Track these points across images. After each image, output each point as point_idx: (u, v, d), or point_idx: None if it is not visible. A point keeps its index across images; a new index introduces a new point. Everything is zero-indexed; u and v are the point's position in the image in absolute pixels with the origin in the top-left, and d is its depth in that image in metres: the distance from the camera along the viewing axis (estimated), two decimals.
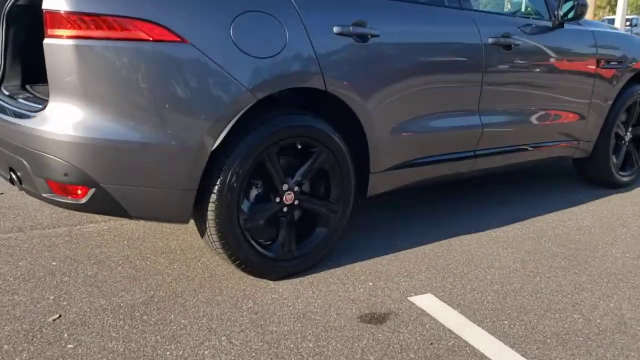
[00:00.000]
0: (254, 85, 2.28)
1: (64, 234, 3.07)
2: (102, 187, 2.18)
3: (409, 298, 2.48)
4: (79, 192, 2.22)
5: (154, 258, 2.80)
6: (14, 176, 2.39)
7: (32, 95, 2.69)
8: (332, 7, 2.57)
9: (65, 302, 2.35)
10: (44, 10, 2.09)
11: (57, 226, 3.18)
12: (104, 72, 2.10)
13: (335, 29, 2.51)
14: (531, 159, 3.70)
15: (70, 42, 2.07)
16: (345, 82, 2.54)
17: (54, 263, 2.72)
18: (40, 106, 2.36)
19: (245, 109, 2.30)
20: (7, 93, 2.79)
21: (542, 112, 3.55)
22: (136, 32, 2.10)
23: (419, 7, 2.92)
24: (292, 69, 2.39)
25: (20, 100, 2.58)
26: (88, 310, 2.30)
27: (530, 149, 3.60)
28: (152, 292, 2.45)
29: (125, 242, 2.99)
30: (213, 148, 2.27)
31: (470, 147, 3.22)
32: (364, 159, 2.77)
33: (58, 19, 2.07)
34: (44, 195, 2.27)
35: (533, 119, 3.51)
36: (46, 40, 2.10)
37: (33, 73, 3.07)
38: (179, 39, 2.15)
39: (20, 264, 2.70)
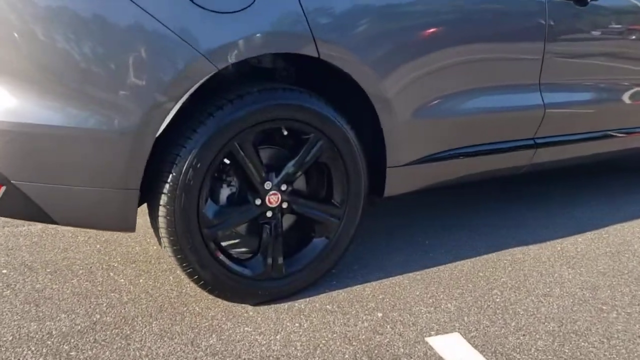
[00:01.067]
0: (212, 50, 1.69)
1: (37, 233, 2.63)
2: (14, 185, 1.68)
3: (426, 339, 1.83)
4: None
5: (121, 268, 2.29)
6: None
7: None
8: None
9: None
10: None
11: (34, 223, 2.74)
12: (8, 32, 1.58)
13: None
14: (615, 150, 2.90)
15: None
16: (345, 45, 1.90)
17: (4, 271, 2.27)
18: None
19: (200, 82, 1.72)
20: None
21: (633, 88, 2.74)
22: None
23: None
24: (268, 28, 1.77)
25: None
26: (10, 338, 1.81)
27: (617, 135, 2.80)
28: (98, 317, 1.94)
29: (99, 246, 2.50)
30: (158, 134, 1.71)
31: (528, 134, 2.49)
32: (382, 150, 2.12)
33: None
34: None
35: (618, 95, 2.71)
36: None
37: None
38: None
39: None
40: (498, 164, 2.45)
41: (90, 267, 2.30)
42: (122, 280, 2.20)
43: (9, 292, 2.10)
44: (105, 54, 1.61)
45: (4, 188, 1.68)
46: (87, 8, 1.59)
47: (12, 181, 1.67)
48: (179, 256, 1.83)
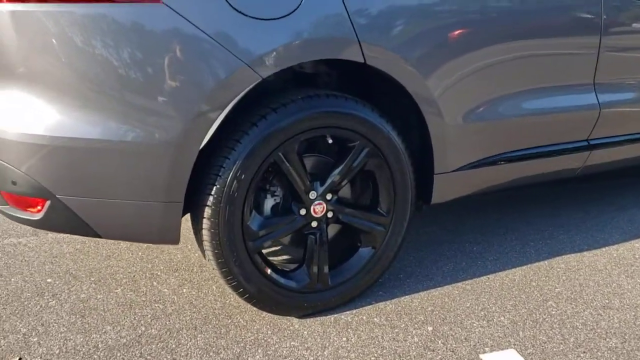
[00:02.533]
0: (256, 59, 1.63)
1: (80, 240, 2.63)
2: (59, 199, 1.66)
3: (481, 356, 1.75)
4: (35, 205, 1.71)
5: (164, 277, 2.27)
6: None
7: None
8: None
9: (35, 338, 1.88)
10: None
11: None
12: (50, 47, 1.55)
13: None
14: None
15: (7, 7, 1.54)
16: (391, 49, 1.82)
17: (49, 280, 2.27)
18: None
19: (245, 91, 1.67)
20: None
21: None
22: None
23: None
24: (313, 35, 1.71)
25: None
26: (57, 351, 1.81)
27: None
28: (143, 329, 1.92)
29: (142, 253, 2.49)
30: (202, 145, 1.67)
31: (582, 136, 2.37)
32: (429, 156, 2.04)
33: None
34: (0, 208, 1.80)
35: None
36: None
37: None
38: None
39: (12, 279, 2.28)
40: (550, 167, 2.34)
41: (134, 276, 2.29)
42: (166, 289, 2.18)
43: (54, 302, 2.10)
44: (147, 65, 1.57)
45: (48, 202, 1.67)
46: (127, 17, 1.55)
47: (56, 195, 1.65)
48: (223, 269, 1.80)
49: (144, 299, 2.12)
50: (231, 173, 1.71)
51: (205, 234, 1.76)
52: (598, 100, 2.33)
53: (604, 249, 2.47)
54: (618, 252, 2.44)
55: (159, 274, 2.31)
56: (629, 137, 2.50)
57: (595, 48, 2.24)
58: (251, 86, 1.66)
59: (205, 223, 1.74)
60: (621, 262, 2.35)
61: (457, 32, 1.92)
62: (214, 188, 1.71)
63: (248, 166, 1.72)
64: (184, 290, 2.17)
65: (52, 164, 1.62)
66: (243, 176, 1.72)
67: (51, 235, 2.71)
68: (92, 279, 2.27)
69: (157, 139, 1.61)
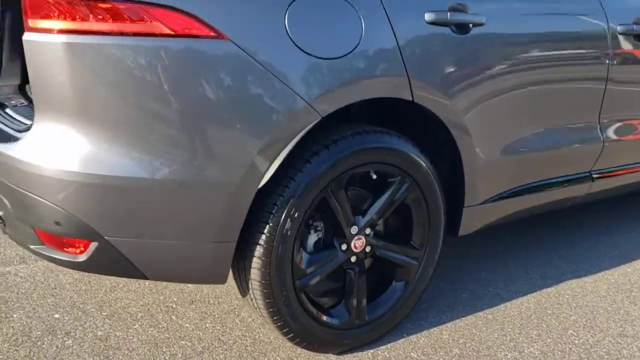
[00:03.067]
0: (317, 97, 1.61)
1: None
2: (107, 241, 1.57)
3: None
4: (78, 246, 1.61)
5: (182, 310, 2.19)
6: None
7: (25, 104, 2.09)
8: None
9: None
10: None
11: None
12: (108, 81, 1.47)
13: (428, 17, 1.81)
14: None
15: (61, 38, 1.44)
16: (438, 90, 1.85)
17: (56, 315, 2.14)
18: (26, 122, 1.76)
19: (306, 129, 1.64)
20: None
21: None
22: (153, 23, 1.45)
23: None
24: (370, 74, 1.71)
25: (9, 110, 1.98)
26: None
27: None
28: None
29: (148, 284, 2.38)
30: (261, 185, 1.63)
31: (586, 167, 2.49)
32: (456, 189, 2.08)
33: (44, 6, 1.44)
34: (31, 247, 1.67)
35: None
36: (27, 36, 1.49)
37: None
38: (213, 34, 1.49)
39: (15, 315, 2.13)
40: (558, 196, 2.45)
41: (149, 309, 2.19)
42: (188, 324, 2.10)
43: (70, 341, 1.98)
44: (204, 102, 1.51)
45: (95, 244, 1.57)
46: (190, 52, 1.49)
47: (105, 237, 1.56)
48: (271, 309, 1.75)
49: (167, 335, 2.03)
50: (285, 211, 1.67)
51: (255, 273, 1.71)
52: (602, 135, 2.45)
53: (600, 275, 2.60)
54: (614, 278, 2.58)
55: (174, 306, 2.22)
56: (628, 166, 2.65)
57: (601, 86, 2.36)
58: (311, 125, 1.64)
59: (256, 262, 1.70)
60: (621, 288, 2.49)
61: (493, 77, 1.98)
62: (267, 226, 1.67)
63: (301, 204, 1.70)
64: (207, 324, 2.10)
65: (101, 204, 1.53)
66: (296, 214, 1.69)
67: (41, 262, 2.54)
68: (104, 314, 2.15)
69: (215, 179, 1.56)
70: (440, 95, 1.86)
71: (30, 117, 1.86)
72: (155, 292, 2.31)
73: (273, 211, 1.67)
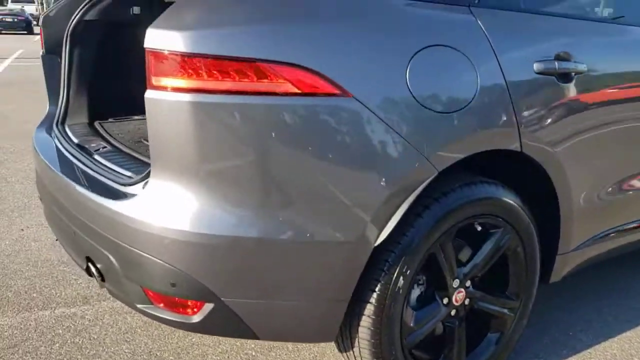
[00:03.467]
0: (436, 152, 1.57)
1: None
2: (224, 302, 1.51)
3: None
4: (191, 306, 1.55)
5: (261, 358, 2.13)
6: (92, 268, 1.75)
7: (112, 149, 2.04)
8: (531, 34, 1.83)
9: None
10: (146, 51, 1.42)
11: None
12: (231, 140, 1.42)
13: (536, 67, 1.77)
14: None
15: (186, 96, 1.39)
16: (544, 139, 1.81)
17: None
18: (132, 176, 1.71)
19: (424, 184, 1.59)
20: (76, 140, 2.15)
21: None
22: (279, 82, 1.41)
23: (621, 28, 2.15)
24: (485, 127, 1.67)
25: (98, 157, 1.93)
26: None
27: None
28: None
29: None
30: (378, 242, 1.58)
31: None
32: (548, 236, 2.04)
33: (169, 64, 1.40)
34: (138, 306, 1.62)
35: None
36: (149, 93, 1.44)
37: (102, 105, 2.45)
38: (338, 91, 1.45)
39: None
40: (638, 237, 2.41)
41: (228, 357, 2.13)
42: None
43: None
44: (325, 160, 1.46)
45: (210, 305, 1.52)
46: (309, 110, 1.44)
47: (221, 298, 1.50)
48: None
49: None
50: (397, 268, 1.63)
51: (364, 331, 1.66)
52: None
53: None
54: None
55: (253, 354, 2.16)
56: None
57: None
58: (429, 180, 1.59)
59: (366, 320, 1.65)
60: None
61: (594, 124, 1.95)
62: (379, 284, 1.62)
63: (413, 260, 1.65)
64: None
65: (219, 265, 1.48)
66: (408, 271, 1.65)
67: (105, 303, 2.49)
68: None
69: (335, 237, 1.51)
70: (545, 145, 1.82)
71: (127, 167, 1.82)
72: (231, 339, 2.25)
73: (385, 268, 1.62)
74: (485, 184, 1.78)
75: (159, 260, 1.49)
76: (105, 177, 1.76)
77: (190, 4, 1.45)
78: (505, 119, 1.70)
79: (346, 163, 1.48)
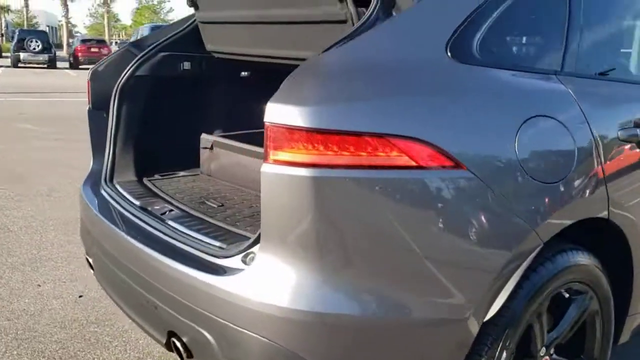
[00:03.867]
0: (542, 223, 1.56)
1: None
2: None
3: None
4: None
5: None
6: (177, 343, 1.65)
7: (181, 213, 1.96)
8: (613, 101, 1.87)
9: None
10: (266, 125, 1.38)
11: None
12: (348, 214, 1.37)
13: (620, 134, 1.80)
14: None
15: (306, 171, 1.35)
16: (625, 205, 1.83)
17: None
18: (224, 246, 1.64)
19: (532, 256, 1.57)
20: (137, 202, 2.06)
21: None
22: (397, 155, 1.38)
23: None
24: (583, 195, 1.67)
25: (173, 222, 1.85)
26: None
27: None
28: None
29: None
30: (487, 317, 1.54)
31: None
32: (619, 299, 2.04)
33: (289, 138, 1.35)
34: None
35: None
36: (266, 167, 1.39)
37: (148, 160, 2.37)
38: (452, 164, 1.43)
39: None
40: None
41: None
42: None
43: None
44: (435, 234, 1.43)
45: None
46: (425, 183, 1.41)
47: None
48: None
49: None
50: (500, 343, 1.59)
51: None
52: None
53: None
54: None
55: None
56: None
57: None
58: (535, 252, 1.57)
59: None
60: None
61: None
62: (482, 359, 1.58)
63: (515, 332, 1.62)
64: None
65: (332, 345, 1.42)
66: (511, 344, 1.61)
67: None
68: None
69: (444, 315, 1.47)
70: (627, 211, 1.84)
71: (211, 235, 1.74)
72: None
73: (489, 343, 1.58)
74: (575, 251, 1.77)
75: (267, 340, 1.41)
76: (189, 246, 1.68)
77: (307, 78, 1.42)
78: (599, 187, 1.71)
79: (459, 237, 1.45)
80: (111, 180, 2.26)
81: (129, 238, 1.82)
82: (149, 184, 2.30)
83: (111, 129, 2.30)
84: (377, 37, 1.53)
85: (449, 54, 1.53)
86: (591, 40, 1.92)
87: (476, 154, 1.47)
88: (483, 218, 1.47)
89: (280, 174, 1.37)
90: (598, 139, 1.72)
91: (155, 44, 2.34)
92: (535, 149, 1.56)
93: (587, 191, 1.69)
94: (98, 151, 2.36)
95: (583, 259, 1.79)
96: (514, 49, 1.83)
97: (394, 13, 1.65)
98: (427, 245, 1.42)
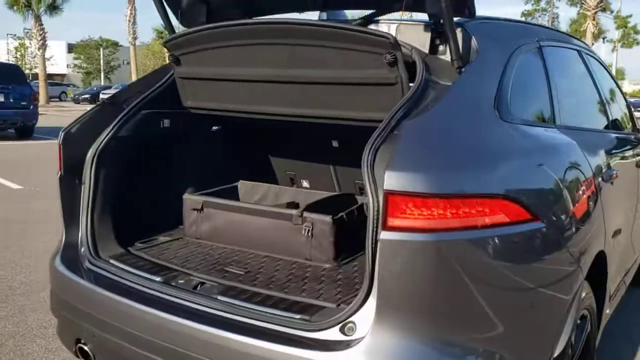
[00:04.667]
0: (583, 261, 1.80)
1: None
2: None
3: None
4: None
5: None
6: None
7: (222, 286, 1.82)
8: (598, 147, 2.20)
9: None
10: (385, 192, 1.38)
11: None
12: (465, 277, 1.43)
13: (604, 175, 2.13)
14: None
15: (427, 237, 1.38)
16: (610, 235, 2.15)
17: None
18: (308, 318, 1.56)
19: (579, 294, 1.77)
20: (157, 278, 1.86)
21: None
22: (496, 213, 1.48)
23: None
24: (599, 231, 1.98)
25: (224, 298, 1.70)
26: None
27: None
28: None
29: None
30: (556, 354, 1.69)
31: None
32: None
33: (414, 205, 1.38)
34: None
35: None
36: (385, 235, 1.38)
37: (126, 226, 2.16)
38: (532, 217, 1.57)
39: None
40: None
41: None
42: None
43: None
44: (529, 283, 1.57)
45: None
46: (515, 236, 1.53)
47: None
48: None
49: None
50: None
51: None
52: None
53: None
54: None
55: None
56: None
57: None
58: (584, 290, 1.78)
59: None
60: None
61: None
62: None
63: None
64: None
65: None
66: None
67: None
68: None
69: None
70: (613, 241, 2.15)
71: (279, 307, 1.65)
72: None
73: None
74: (585, 282, 2.02)
75: None
76: (261, 320, 1.57)
77: (417, 147, 1.47)
78: (601, 222, 1.99)
79: (547, 283, 1.62)
80: (96, 253, 2.01)
81: (173, 318, 1.64)
82: (143, 255, 2.08)
83: (88, 196, 2.05)
84: (448, 105, 1.62)
85: (501, 117, 1.69)
86: (564, 98, 2.23)
87: (543, 206, 1.63)
88: (557, 263, 1.65)
89: (403, 241, 1.38)
90: (598, 181, 2.00)
91: (137, 102, 2.15)
92: (575, 196, 1.78)
93: (598, 226, 1.95)
94: (72, 222, 2.08)
95: (587, 287, 2.04)
96: (526, 106, 2.05)
97: (432, 76, 1.76)
98: (529, 295, 1.56)
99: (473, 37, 1.83)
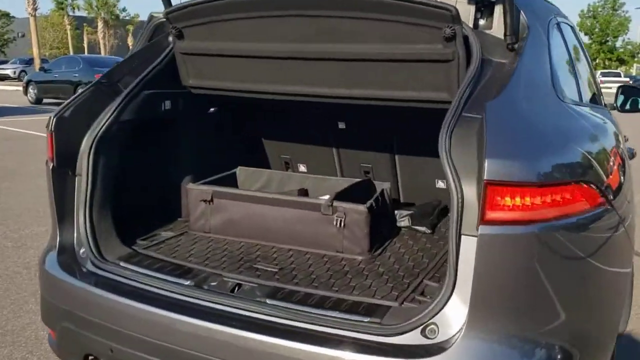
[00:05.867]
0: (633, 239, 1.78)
1: None
2: None
3: None
4: None
5: None
6: None
7: (263, 287, 1.62)
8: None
9: None
10: (485, 183, 1.25)
11: None
12: (558, 267, 1.36)
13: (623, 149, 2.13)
14: None
15: (528, 229, 1.28)
16: None
17: None
18: (378, 320, 1.43)
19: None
20: (187, 282, 1.65)
21: None
22: (578, 199, 1.41)
23: None
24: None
25: (279, 302, 1.52)
26: None
27: None
28: None
29: None
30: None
31: None
32: None
33: (510, 196, 1.27)
34: None
35: None
36: (485, 229, 1.27)
37: (128, 221, 1.92)
38: (604, 200, 1.51)
39: None
40: None
41: None
42: None
43: None
44: (608, 266, 1.54)
45: None
46: (594, 221, 1.46)
47: None
48: None
49: None
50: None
51: None
52: None
53: None
54: None
55: None
56: None
57: None
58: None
59: None
60: None
61: None
62: None
63: None
64: None
65: None
66: None
67: None
68: None
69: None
70: None
71: (335, 309, 1.50)
72: None
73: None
74: None
75: None
76: (330, 326, 1.41)
77: (511, 135, 1.36)
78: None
79: (620, 264, 1.61)
80: (100, 254, 1.75)
81: (218, 327, 1.45)
82: (153, 254, 1.83)
83: (85, 189, 1.78)
84: (522, 87, 1.52)
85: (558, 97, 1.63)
86: (581, 75, 2.20)
87: (609, 187, 1.58)
88: (622, 241, 1.63)
89: (505, 234, 1.28)
90: (624, 157, 2.00)
91: (138, 81, 1.87)
92: (623, 172, 1.77)
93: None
94: (65, 219, 1.80)
95: None
96: (564, 85, 1.99)
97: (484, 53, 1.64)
98: (604, 276, 1.53)
99: (522, 11, 1.72)
